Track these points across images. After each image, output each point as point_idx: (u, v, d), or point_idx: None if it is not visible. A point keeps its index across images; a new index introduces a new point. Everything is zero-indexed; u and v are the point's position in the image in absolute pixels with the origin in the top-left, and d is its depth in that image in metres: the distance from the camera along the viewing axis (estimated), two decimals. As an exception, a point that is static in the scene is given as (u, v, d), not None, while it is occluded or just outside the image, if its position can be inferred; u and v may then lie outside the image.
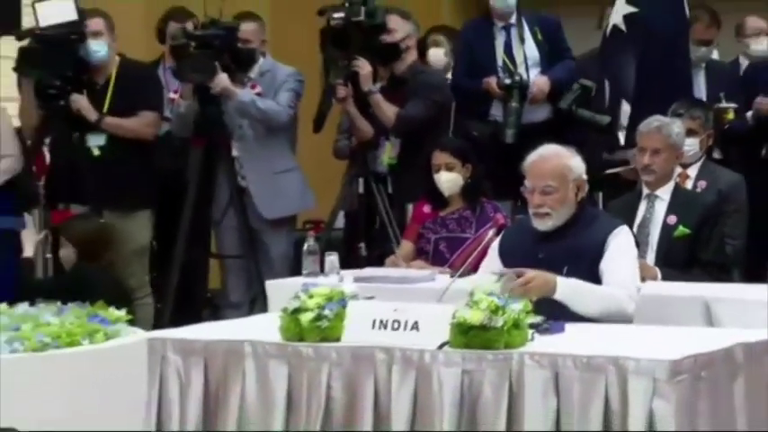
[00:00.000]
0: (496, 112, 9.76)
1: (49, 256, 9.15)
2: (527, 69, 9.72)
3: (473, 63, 9.87)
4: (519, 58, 9.70)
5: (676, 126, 8.02)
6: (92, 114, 9.39)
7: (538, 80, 9.62)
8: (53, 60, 9.29)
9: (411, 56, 9.88)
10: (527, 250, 6.71)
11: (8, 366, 4.29)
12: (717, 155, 9.25)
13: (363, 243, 9.32)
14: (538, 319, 5.94)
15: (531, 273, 6.22)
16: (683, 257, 7.61)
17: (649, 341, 5.90)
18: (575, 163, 6.67)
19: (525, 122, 9.47)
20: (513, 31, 9.78)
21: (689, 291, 7.17)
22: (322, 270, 7.90)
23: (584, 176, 6.71)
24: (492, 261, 6.85)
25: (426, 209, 8.44)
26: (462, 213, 8.29)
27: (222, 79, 9.53)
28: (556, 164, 6.65)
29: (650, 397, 5.47)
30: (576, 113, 9.46)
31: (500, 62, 9.66)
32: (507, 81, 9.55)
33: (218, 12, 9.79)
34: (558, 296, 6.26)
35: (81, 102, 9.35)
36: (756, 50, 10.54)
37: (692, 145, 8.32)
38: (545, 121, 9.51)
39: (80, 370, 4.43)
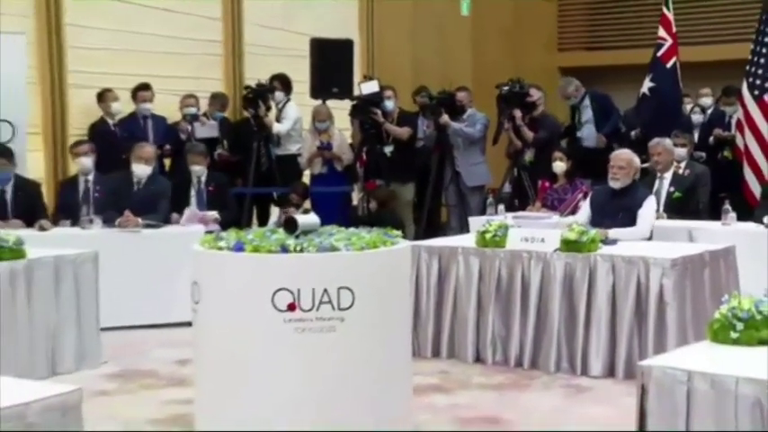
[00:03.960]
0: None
1: (364, 205, 9.21)
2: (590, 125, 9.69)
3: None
4: (578, 119, 9.68)
5: (668, 141, 7.86)
6: (401, 133, 9.51)
7: (598, 135, 9.55)
8: (367, 110, 9.34)
9: (541, 108, 9.72)
10: (603, 204, 6.84)
11: (344, 257, 4.30)
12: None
13: (516, 200, 9.23)
14: (604, 237, 5.93)
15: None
16: (677, 209, 7.42)
17: (661, 249, 5.87)
18: (635, 159, 6.82)
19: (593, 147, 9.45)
20: (578, 107, 9.73)
21: (681, 225, 7.07)
22: (496, 212, 7.86)
23: (639, 166, 6.89)
24: (584, 209, 7.00)
25: (547, 184, 8.34)
26: (565, 186, 8.14)
27: (444, 118, 9.47)
28: (628, 157, 6.80)
29: (661, 277, 5.45)
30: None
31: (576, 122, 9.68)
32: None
33: (448, 86, 9.81)
34: (611, 235, 6.18)
35: (388, 127, 9.44)
36: (703, 103, 10.25)
37: (683, 152, 8.10)
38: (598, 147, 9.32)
39: (379, 260, 4.44)
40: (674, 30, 9.41)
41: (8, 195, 7.31)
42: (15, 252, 5.73)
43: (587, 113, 9.74)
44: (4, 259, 5.66)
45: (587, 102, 9.79)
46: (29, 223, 7.11)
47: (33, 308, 5.75)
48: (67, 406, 2.84)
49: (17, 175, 7.45)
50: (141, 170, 7.58)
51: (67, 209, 7.58)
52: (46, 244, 6.29)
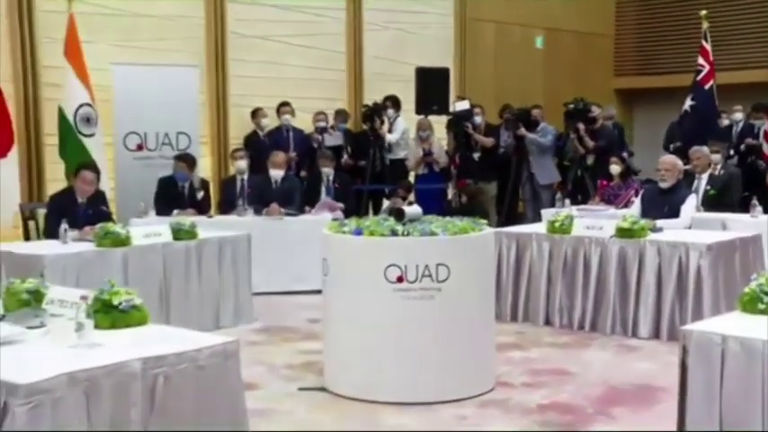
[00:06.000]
0: None
1: (457, 199, 9.14)
2: None
3: None
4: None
5: (705, 148, 7.54)
6: (487, 142, 9.34)
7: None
8: (460, 124, 9.28)
9: (600, 121, 9.45)
10: (652, 199, 6.57)
11: (441, 240, 4.28)
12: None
13: (580, 196, 9.00)
14: (652, 226, 5.74)
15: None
16: (712, 204, 7.12)
17: (699, 236, 5.67)
18: (679, 162, 6.57)
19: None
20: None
21: (715, 216, 6.74)
22: (563, 205, 7.70)
23: (682, 168, 6.61)
24: (636, 203, 6.76)
25: (605, 182, 8.11)
26: (620, 184, 7.90)
27: (522, 130, 9.33)
28: (672, 160, 6.55)
29: (699, 259, 5.30)
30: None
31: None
32: None
33: (524, 104, 9.68)
34: (658, 225, 5.92)
35: (477, 137, 9.32)
36: (736, 117, 9.73)
37: (718, 158, 7.71)
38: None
39: (469, 243, 4.40)
40: (711, 58, 9.18)
41: (185, 191, 7.51)
42: (190, 234, 5.89)
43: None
44: (181, 239, 5.83)
45: (612, 128, 9.64)
46: (200, 211, 7.29)
47: (202, 277, 5.90)
48: (228, 352, 2.89)
49: (191, 176, 7.63)
50: (275, 173, 7.68)
51: (228, 201, 7.74)
52: (212, 227, 6.44)
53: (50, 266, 5.01)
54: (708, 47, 9.18)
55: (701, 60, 9.20)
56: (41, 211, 6.51)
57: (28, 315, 3.12)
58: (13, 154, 7.17)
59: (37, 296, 3.27)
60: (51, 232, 5.87)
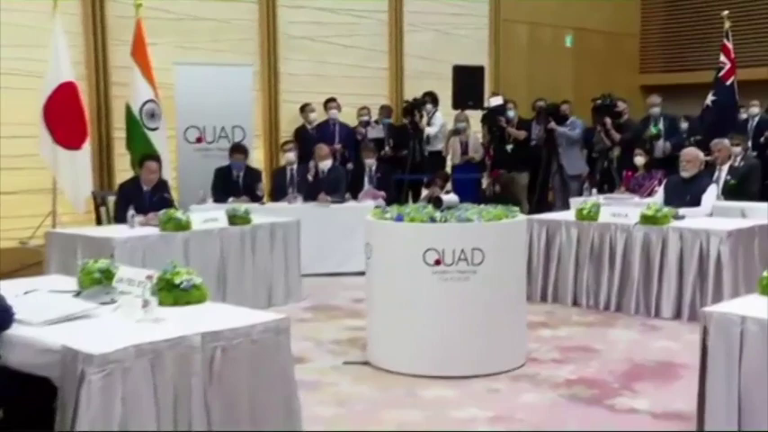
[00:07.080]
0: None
1: (491, 188, 9.06)
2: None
3: None
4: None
5: (726, 141, 7.33)
6: (519, 135, 9.22)
7: (665, 144, 8.89)
8: (494, 118, 9.21)
9: (626, 116, 9.26)
10: (674, 189, 6.38)
11: (476, 226, 4.25)
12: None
13: (606, 185, 8.87)
14: (674, 213, 5.62)
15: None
16: (733, 193, 6.96)
17: (719, 223, 5.55)
18: (700, 154, 6.39)
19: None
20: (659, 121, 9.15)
21: (735, 205, 6.57)
22: (590, 194, 7.59)
23: (703, 160, 6.45)
24: (660, 192, 6.58)
25: (630, 173, 7.97)
26: (644, 174, 7.75)
27: (551, 124, 9.21)
28: (694, 152, 6.38)
29: (719, 244, 5.20)
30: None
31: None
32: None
33: (554, 99, 9.55)
34: (680, 213, 5.79)
35: (510, 130, 9.23)
36: (753, 112, 9.50)
37: (738, 150, 7.50)
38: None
39: (503, 229, 4.37)
40: (733, 55, 8.98)
41: (240, 179, 7.57)
42: (244, 219, 5.94)
43: (663, 127, 9.32)
44: (236, 224, 5.88)
45: (661, 119, 9.41)
46: (253, 199, 7.35)
47: (256, 259, 5.95)
48: (280, 328, 2.92)
49: (246, 164, 7.70)
50: (322, 164, 7.70)
51: (279, 189, 7.77)
52: (264, 214, 6.47)
53: (119, 248, 5.11)
54: (729, 45, 9.00)
55: (722, 58, 9.02)
56: (111, 198, 6.62)
57: (100, 292, 3.19)
58: (87, 146, 7.31)
59: (108, 275, 3.34)
60: (120, 217, 5.98)
